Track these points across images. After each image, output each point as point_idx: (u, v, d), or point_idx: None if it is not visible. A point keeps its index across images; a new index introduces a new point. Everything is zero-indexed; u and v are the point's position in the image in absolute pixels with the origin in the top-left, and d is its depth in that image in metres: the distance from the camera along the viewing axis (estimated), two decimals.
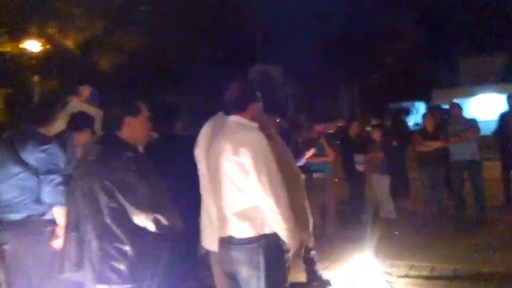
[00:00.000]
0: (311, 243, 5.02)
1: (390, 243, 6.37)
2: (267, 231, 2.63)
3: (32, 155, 3.17)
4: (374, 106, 24.08)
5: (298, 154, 5.87)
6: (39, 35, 12.53)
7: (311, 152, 6.24)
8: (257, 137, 2.62)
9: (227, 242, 2.67)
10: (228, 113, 2.78)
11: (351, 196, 8.33)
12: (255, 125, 2.75)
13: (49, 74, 12.76)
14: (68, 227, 2.48)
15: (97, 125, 5.83)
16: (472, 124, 7.71)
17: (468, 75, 26.45)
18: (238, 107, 2.74)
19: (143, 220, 2.36)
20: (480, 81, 24.28)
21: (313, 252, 4.96)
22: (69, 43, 13.14)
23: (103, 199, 2.34)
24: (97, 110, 6.31)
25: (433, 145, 7.33)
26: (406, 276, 5.10)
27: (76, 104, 6.20)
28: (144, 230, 2.37)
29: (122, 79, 12.83)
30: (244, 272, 2.64)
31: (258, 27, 18.82)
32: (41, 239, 3.10)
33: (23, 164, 3.14)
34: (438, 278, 5.03)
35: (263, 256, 2.61)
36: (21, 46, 12.44)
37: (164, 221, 2.38)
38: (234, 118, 2.75)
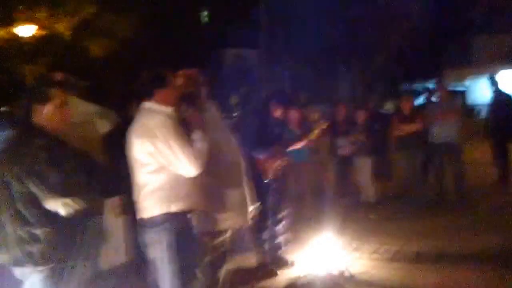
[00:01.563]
0: (283, 228, 5.04)
1: (364, 226, 6.45)
2: (173, 209, 2.78)
3: None
4: (382, 87, 23.72)
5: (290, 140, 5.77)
6: (29, 20, 12.51)
7: (306, 143, 6.19)
8: (161, 119, 2.79)
9: (140, 224, 2.85)
10: (141, 100, 2.92)
11: (336, 180, 8.38)
12: (166, 109, 2.88)
13: (40, 60, 12.80)
14: None
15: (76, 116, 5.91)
16: (453, 106, 7.66)
17: (483, 53, 25.52)
18: (146, 94, 2.90)
19: (53, 205, 2.45)
20: (496, 60, 23.17)
21: (281, 237, 5.00)
22: (60, 27, 13.11)
23: (14, 185, 2.43)
24: (72, 99, 6.40)
25: (408, 129, 7.31)
26: (370, 258, 5.16)
27: None
28: (55, 214, 2.46)
29: (114, 65, 12.88)
30: (152, 253, 2.80)
31: (262, 8, 18.66)
32: None
33: None
34: (402, 259, 5.08)
35: (169, 237, 2.75)
36: (10, 31, 12.48)
37: (76, 205, 2.47)
38: (145, 105, 2.91)
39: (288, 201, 5.22)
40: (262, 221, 4.78)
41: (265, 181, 4.80)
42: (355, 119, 8.34)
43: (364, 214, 7.18)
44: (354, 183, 8.19)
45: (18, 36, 12.67)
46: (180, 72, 3.26)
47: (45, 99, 2.60)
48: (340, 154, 8.06)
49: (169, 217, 2.77)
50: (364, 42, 23.10)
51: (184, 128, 2.90)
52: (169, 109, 2.89)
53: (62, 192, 2.44)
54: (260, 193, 4.64)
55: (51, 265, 2.47)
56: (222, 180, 3.19)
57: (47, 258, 2.45)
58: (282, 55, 18.92)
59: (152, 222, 2.78)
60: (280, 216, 4.98)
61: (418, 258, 5.10)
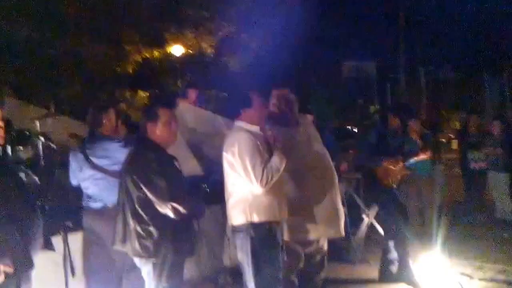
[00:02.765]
0: (398, 242, 5.01)
1: (495, 245, 6.06)
2: (255, 219, 3.05)
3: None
4: None
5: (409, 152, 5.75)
6: (178, 40, 14.01)
7: (427, 154, 6.12)
8: (242, 136, 3.10)
9: (230, 229, 3.19)
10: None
11: (467, 196, 7.96)
12: (251, 127, 3.17)
13: (187, 76, 14.16)
14: (117, 211, 3.12)
15: (199, 127, 6.53)
16: None
17: None
18: (233, 114, 3.26)
19: (163, 208, 2.90)
20: None
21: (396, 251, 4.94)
22: (204, 45, 14.41)
23: (133, 190, 2.95)
24: (203, 112, 7.04)
25: None
26: (492, 279, 4.87)
27: (183, 107, 6.98)
28: (165, 215, 2.92)
29: (249, 78, 13.71)
30: (239, 256, 3.11)
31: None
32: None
33: None
34: None
35: (251, 243, 3.04)
36: (163, 51, 14.08)
37: (181, 209, 2.89)
38: (236, 123, 3.26)
39: (407, 213, 5.15)
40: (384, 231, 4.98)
41: (384, 189, 4.89)
42: (490, 130, 7.85)
43: (497, 232, 6.72)
44: (488, 199, 7.69)
45: (169, 55, 14.24)
46: (273, 93, 3.53)
47: (155, 118, 3.07)
48: (473, 168, 7.65)
49: (251, 226, 3.07)
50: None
51: (270, 145, 3.18)
52: (254, 127, 3.18)
53: (168, 197, 2.88)
54: (378, 200, 5.00)
55: (161, 257, 2.93)
56: (312, 192, 3.41)
57: (158, 251, 2.92)
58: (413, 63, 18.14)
59: (238, 229, 3.12)
60: (395, 227, 4.89)
61: None
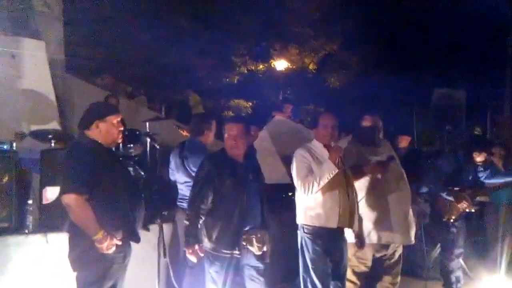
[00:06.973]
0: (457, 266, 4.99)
1: None
2: (303, 221, 3.58)
3: None
4: None
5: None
6: (283, 56, 14.73)
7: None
8: (299, 151, 3.62)
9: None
10: None
11: None
12: (316, 143, 3.66)
13: (289, 90, 14.79)
14: None
15: (290, 139, 6.90)
16: None
17: None
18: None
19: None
20: None
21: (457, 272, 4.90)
22: (307, 62, 14.99)
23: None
24: (295, 125, 7.41)
25: None
26: None
27: (277, 120, 7.40)
28: (209, 213, 3.37)
29: (349, 95, 13.94)
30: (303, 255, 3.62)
31: None
32: None
33: None
34: None
35: (300, 242, 3.60)
36: (268, 65, 14.88)
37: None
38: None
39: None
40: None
41: (444, 224, 4.77)
42: None
43: None
44: None
45: (273, 69, 14.99)
46: (364, 117, 3.89)
47: (224, 131, 3.45)
48: None
49: (301, 227, 3.55)
50: None
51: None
52: (317, 143, 3.62)
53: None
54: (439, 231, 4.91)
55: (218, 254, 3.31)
56: (388, 202, 3.74)
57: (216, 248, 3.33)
58: None
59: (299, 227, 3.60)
60: (455, 254, 4.85)
61: None
